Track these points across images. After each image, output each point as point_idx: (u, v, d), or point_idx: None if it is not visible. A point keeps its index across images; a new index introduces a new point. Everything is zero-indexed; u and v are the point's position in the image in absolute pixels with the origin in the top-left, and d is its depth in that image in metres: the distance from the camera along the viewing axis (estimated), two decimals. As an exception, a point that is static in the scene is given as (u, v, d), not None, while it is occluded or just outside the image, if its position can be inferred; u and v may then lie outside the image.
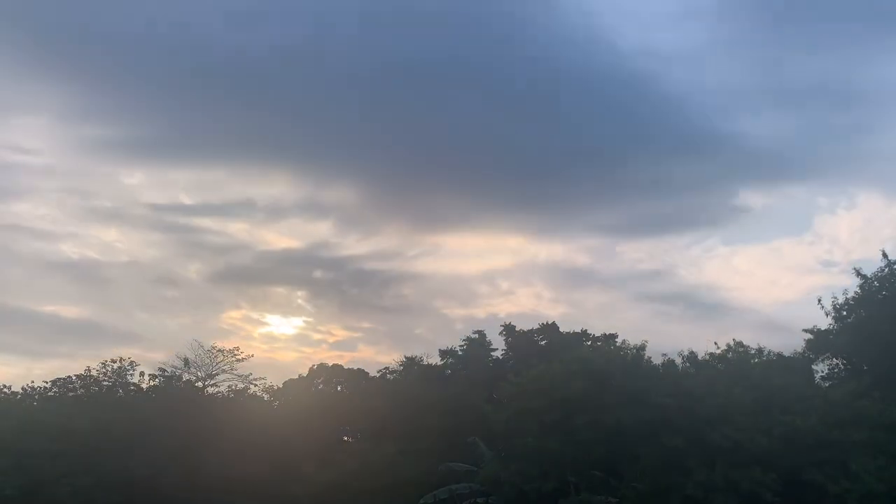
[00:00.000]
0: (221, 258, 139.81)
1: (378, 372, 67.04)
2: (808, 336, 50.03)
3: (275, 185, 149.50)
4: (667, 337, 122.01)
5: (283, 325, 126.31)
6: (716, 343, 47.86)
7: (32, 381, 62.16)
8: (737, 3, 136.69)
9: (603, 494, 37.42)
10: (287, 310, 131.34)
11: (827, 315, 48.94)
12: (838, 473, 33.95)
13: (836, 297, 48.55)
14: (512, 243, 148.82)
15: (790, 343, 48.95)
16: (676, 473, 35.72)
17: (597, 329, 63.98)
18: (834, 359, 49.07)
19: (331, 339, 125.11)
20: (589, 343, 58.05)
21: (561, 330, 60.85)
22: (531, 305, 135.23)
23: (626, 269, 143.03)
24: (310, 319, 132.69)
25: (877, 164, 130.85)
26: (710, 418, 36.94)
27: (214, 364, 60.58)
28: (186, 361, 60.05)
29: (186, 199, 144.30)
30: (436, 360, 64.12)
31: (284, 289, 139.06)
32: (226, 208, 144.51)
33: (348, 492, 46.75)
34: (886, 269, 46.96)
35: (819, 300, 49.11)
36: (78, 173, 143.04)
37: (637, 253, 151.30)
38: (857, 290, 47.85)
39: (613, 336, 58.37)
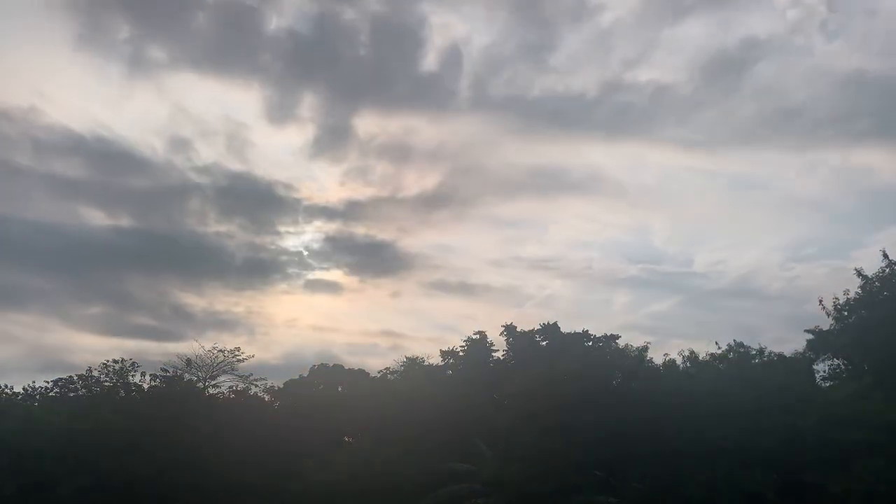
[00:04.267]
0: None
1: (378, 372, 67.09)
2: (810, 336, 50.07)
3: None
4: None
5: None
6: (717, 343, 48.01)
7: (34, 381, 62.38)
8: None
9: (604, 495, 37.38)
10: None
11: (828, 315, 48.97)
12: (839, 473, 33.93)
13: (837, 298, 48.59)
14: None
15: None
16: (678, 473, 35.72)
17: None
18: (835, 359, 49.13)
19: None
20: (590, 344, 57.92)
21: (562, 330, 60.73)
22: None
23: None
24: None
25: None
26: (711, 418, 36.95)
27: (215, 364, 60.50)
28: (188, 362, 60.00)
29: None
30: (437, 360, 64.17)
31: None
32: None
33: (349, 492, 46.67)
34: (887, 270, 46.95)
35: (820, 300, 49.15)
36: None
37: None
38: (859, 290, 47.84)
39: (615, 337, 58.29)
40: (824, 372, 49.39)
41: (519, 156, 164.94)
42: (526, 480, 38.40)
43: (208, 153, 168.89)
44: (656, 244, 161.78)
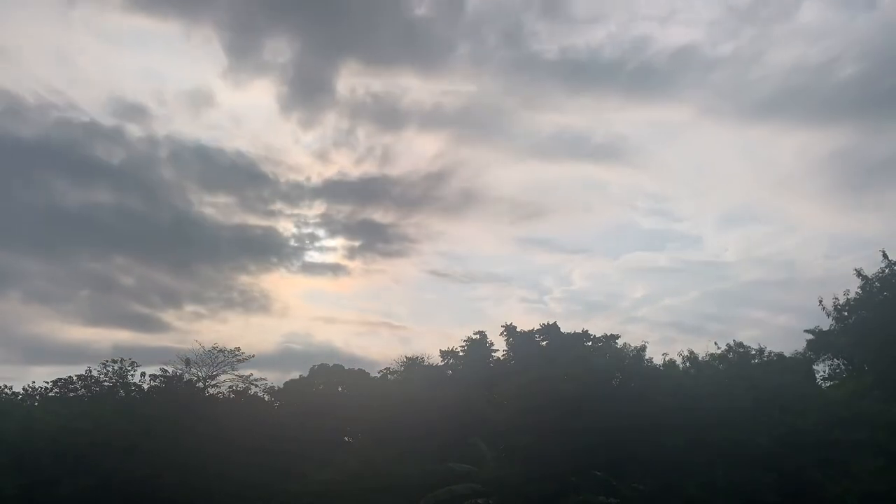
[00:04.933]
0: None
1: (378, 372, 67.24)
2: (810, 336, 50.09)
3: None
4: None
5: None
6: (716, 343, 48.03)
7: (33, 381, 62.48)
8: None
9: (603, 495, 37.35)
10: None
11: (828, 316, 49.01)
12: (839, 473, 33.89)
13: (837, 298, 48.63)
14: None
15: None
16: (677, 474, 35.68)
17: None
18: (835, 359, 49.20)
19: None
20: (590, 343, 57.97)
21: (562, 330, 60.78)
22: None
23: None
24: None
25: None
26: (710, 418, 36.93)
27: (215, 364, 60.61)
28: (188, 362, 60.10)
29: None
30: (437, 360, 64.23)
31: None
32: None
33: (348, 492, 46.67)
34: (887, 270, 46.97)
35: (820, 301, 49.19)
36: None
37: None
38: (858, 290, 47.87)
39: (615, 337, 58.33)
40: (824, 372, 49.49)
41: (529, 122, 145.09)
42: (525, 480, 38.40)
43: (169, 120, 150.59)
44: (686, 230, 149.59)
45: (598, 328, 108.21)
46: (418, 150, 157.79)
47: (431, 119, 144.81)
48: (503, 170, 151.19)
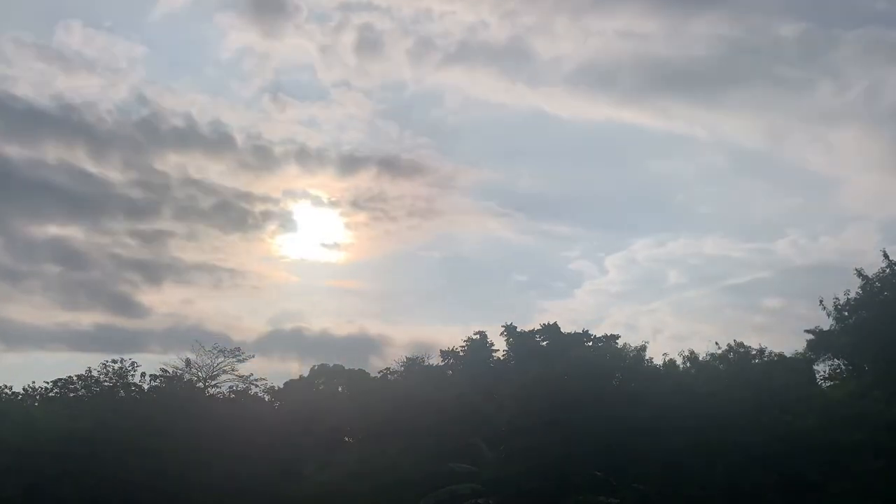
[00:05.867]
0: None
1: (379, 373, 67.17)
2: (810, 336, 50.04)
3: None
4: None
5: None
6: (717, 343, 48.00)
7: (34, 381, 62.44)
8: None
9: (604, 495, 37.36)
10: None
11: (829, 316, 48.93)
12: (839, 473, 33.90)
13: (837, 298, 48.55)
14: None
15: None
16: (678, 473, 35.69)
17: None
18: (835, 359, 49.13)
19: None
20: (590, 344, 57.96)
21: (562, 331, 60.76)
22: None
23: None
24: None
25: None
26: (710, 418, 36.92)
27: (216, 365, 60.70)
28: (188, 362, 60.20)
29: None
30: (437, 360, 64.23)
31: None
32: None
33: (349, 492, 46.68)
34: (888, 270, 46.91)
35: (821, 301, 49.11)
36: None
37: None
38: (859, 290, 47.80)
39: (615, 337, 58.32)
40: (824, 372, 49.49)
41: (550, 51, 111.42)
42: (526, 480, 38.41)
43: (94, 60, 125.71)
44: (734, 208, 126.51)
45: (622, 320, 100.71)
46: (410, 94, 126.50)
47: (423, 48, 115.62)
48: (519, 114, 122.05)
